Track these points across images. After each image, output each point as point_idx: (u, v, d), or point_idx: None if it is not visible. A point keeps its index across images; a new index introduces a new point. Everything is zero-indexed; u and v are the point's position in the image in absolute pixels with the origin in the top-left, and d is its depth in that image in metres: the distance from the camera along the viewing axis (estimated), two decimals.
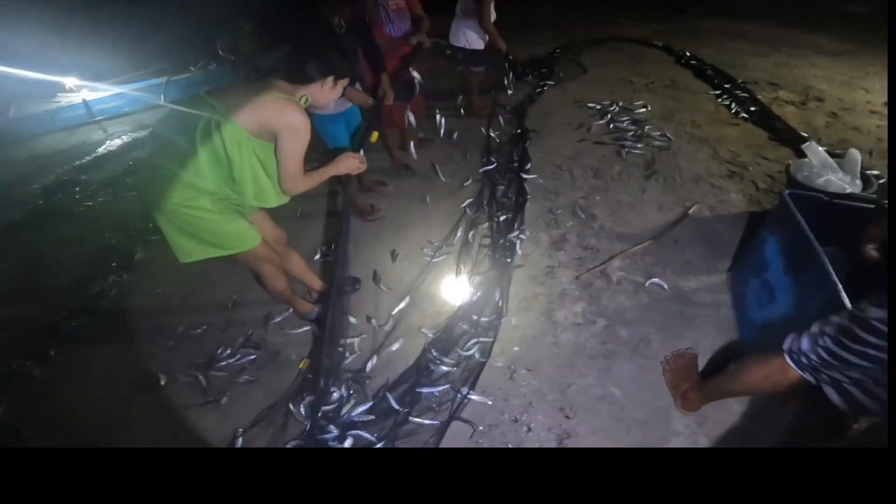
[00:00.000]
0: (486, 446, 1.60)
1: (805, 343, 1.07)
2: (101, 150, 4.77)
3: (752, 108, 3.52)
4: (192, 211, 1.51)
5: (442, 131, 2.84)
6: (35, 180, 4.18)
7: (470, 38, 3.36)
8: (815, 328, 1.06)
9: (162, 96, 5.80)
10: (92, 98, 5.75)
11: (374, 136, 2.22)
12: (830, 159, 2.16)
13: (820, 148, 2.16)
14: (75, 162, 4.49)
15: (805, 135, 2.99)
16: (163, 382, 1.99)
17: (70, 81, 5.78)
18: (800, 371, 1.09)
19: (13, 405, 1.99)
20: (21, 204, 3.75)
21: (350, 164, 1.79)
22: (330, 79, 1.60)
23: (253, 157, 1.51)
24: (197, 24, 6.30)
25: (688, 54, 4.93)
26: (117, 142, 4.96)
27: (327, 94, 1.62)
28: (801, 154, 2.32)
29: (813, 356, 1.05)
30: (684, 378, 1.64)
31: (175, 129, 1.51)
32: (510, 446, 1.57)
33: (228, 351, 2.09)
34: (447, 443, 1.61)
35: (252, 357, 2.05)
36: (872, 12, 6.30)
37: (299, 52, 1.58)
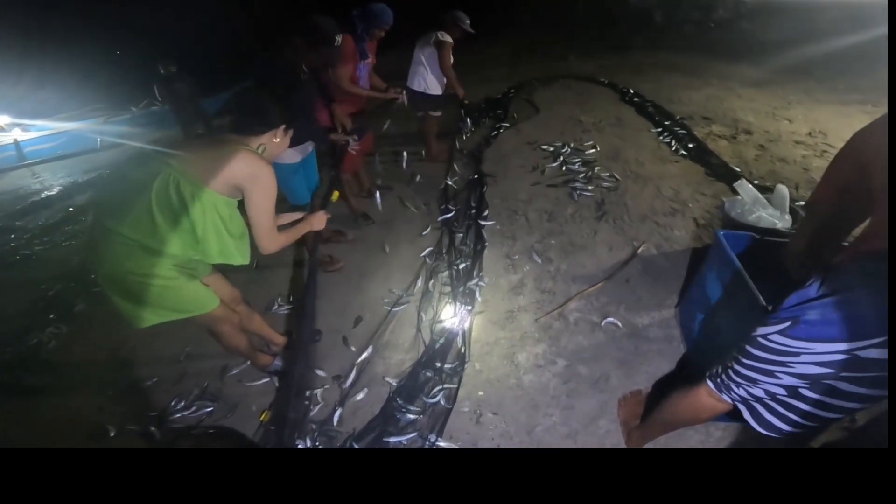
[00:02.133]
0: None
1: (720, 367, 1.23)
2: (36, 195, 4.61)
3: (690, 145, 3.90)
4: (148, 279, 1.49)
5: (405, 165, 3.02)
6: None
7: (430, 82, 3.56)
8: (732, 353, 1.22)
9: (99, 140, 5.68)
10: (24, 139, 5.56)
11: (336, 195, 2.35)
12: (761, 196, 2.44)
13: (750, 185, 2.45)
14: (10, 208, 4.32)
15: (738, 169, 3.34)
16: (112, 434, 1.95)
17: (1, 119, 5.59)
18: (718, 392, 1.23)
19: None
20: None
21: (321, 220, 1.89)
22: (282, 127, 1.64)
23: (216, 215, 1.51)
24: (139, 61, 6.29)
25: (631, 91, 5.40)
26: (53, 187, 4.81)
27: (280, 143, 1.67)
28: (735, 191, 2.60)
29: (724, 377, 1.20)
30: (633, 416, 1.79)
31: (127, 189, 1.47)
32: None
33: (183, 403, 2.08)
34: None
35: (209, 409, 2.05)
36: (785, 40, 7.06)
37: (262, 99, 1.60)
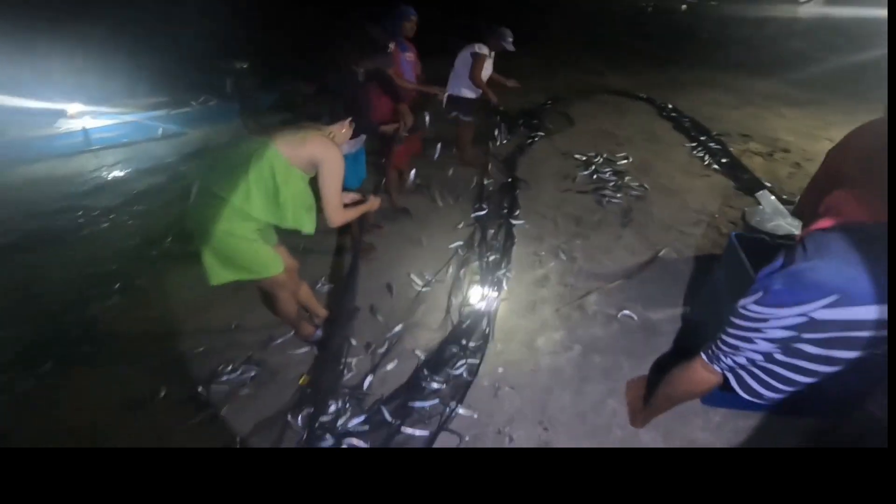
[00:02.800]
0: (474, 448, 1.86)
1: (712, 341, 1.42)
2: (100, 178, 5.08)
3: (723, 160, 4.02)
4: (235, 239, 1.84)
5: (436, 156, 3.31)
6: (34, 204, 4.45)
7: (464, 90, 3.83)
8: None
9: (160, 130, 6.18)
10: (91, 126, 6.09)
11: (383, 182, 2.63)
12: (781, 206, 2.59)
13: (772, 196, 2.59)
14: (76, 188, 4.79)
15: (767, 184, 3.45)
16: (162, 395, 2.20)
17: (73, 108, 6.17)
18: (710, 363, 1.42)
19: (2, 416, 2.15)
20: (19, 226, 3.99)
21: (376, 204, 2.23)
22: (348, 120, 2.00)
23: (294, 186, 1.85)
24: (200, 59, 6.84)
25: (669, 106, 5.52)
26: (116, 171, 5.27)
27: (345, 133, 2.04)
28: (758, 203, 2.75)
29: (714, 348, 1.39)
30: (639, 399, 1.95)
31: (230, 162, 1.84)
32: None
33: (230, 367, 2.31)
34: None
35: (253, 374, 2.28)
36: (837, 58, 7.00)
37: (331, 96, 1.99)
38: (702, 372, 1.47)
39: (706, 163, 4.08)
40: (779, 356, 1.25)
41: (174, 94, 6.59)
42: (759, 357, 1.29)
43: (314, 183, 1.94)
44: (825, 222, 1.15)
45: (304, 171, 1.87)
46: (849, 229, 1.10)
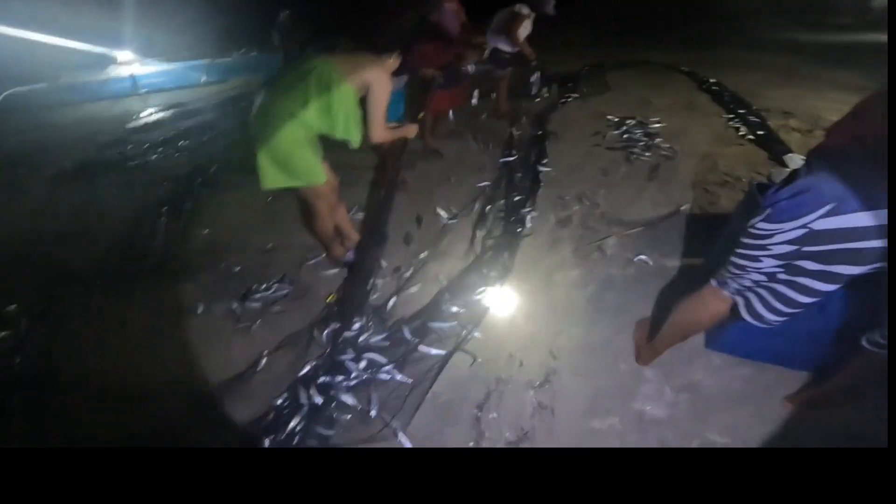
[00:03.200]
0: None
1: (722, 268, 1.52)
2: (147, 118, 5.38)
3: (759, 132, 3.99)
4: (289, 143, 2.06)
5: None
6: (88, 138, 4.78)
7: (501, 43, 3.96)
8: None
9: (203, 77, 6.45)
10: (139, 72, 6.42)
11: (421, 115, 2.77)
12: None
13: (799, 158, 2.61)
14: (125, 126, 5.10)
15: (802, 157, 3.44)
16: (200, 311, 2.40)
17: (123, 55, 6.50)
18: (720, 287, 1.53)
19: (54, 331, 2.34)
20: (76, 156, 4.32)
21: (413, 130, 2.47)
22: (397, 52, 2.23)
23: (347, 100, 2.06)
24: (244, 11, 7.03)
25: (711, 80, 5.43)
26: (161, 113, 5.56)
27: (393, 62, 2.25)
28: (785, 166, 2.77)
29: (724, 272, 1.50)
30: (644, 337, 2.04)
31: (293, 75, 2.08)
32: (503, 377, 1.93)
33: (264, 285, 2.52)
34: (450, 371, 1.95)
35: (285, 292, 2.48)
36: None
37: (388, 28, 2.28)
38: (710, 298, 1.58)
39: (741, 133, 4.06)
40: (781, 276, 1.35)
41: (218, 43, 6.87)
42: (763, 278, 1.39)
43: (362, 103, 2.14)
44: (825, 142, 1.27)
45: (356, 87, 2.07)
46: (844, 147, 1.20)
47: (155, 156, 4.28)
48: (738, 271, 1.45)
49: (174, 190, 3.61)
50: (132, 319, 2.39)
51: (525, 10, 3.83)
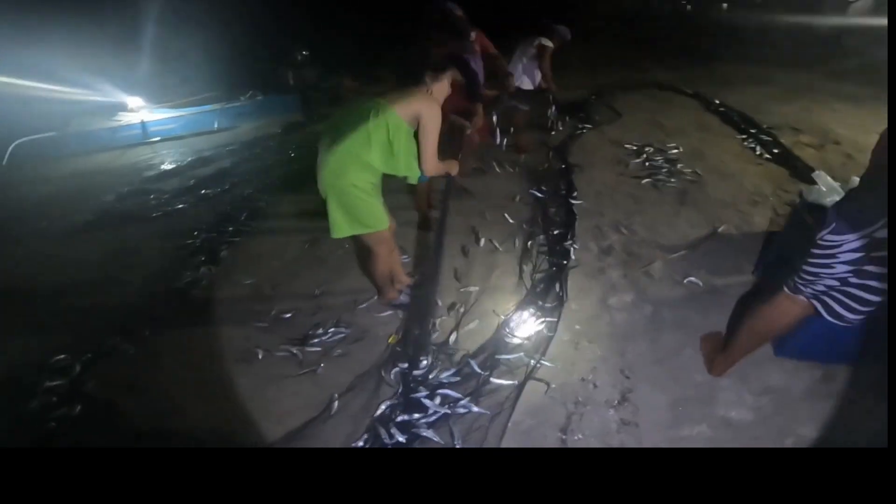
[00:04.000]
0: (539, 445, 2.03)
1: (793, 274, 1.71)
2: (163, 166, 5.56)
3: (775, 151, 4.27)
4: (357, 190, 2.19)
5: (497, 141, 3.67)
6: (106, 188, 4.92)
7: (524, 79, 4.28)
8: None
9: (216, 123, 6.68)
10: (149, 119, 6.62)
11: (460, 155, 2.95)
12: (837, 185, 2.83)
13: (828, 177, 2.84)
14: (141, 175, 5.27)
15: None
16: (260, 357, 2.46)
17: (133, 102, 6.74)
18: (794, 294, 1.72)
19: (109, 379, 2.42)
20: (98, 207, 4.46)
21: (456, 168, 2.57)
22: (447, 74, 2.35)
23: (406, 138, 2.20)
24: (246, 55, 7.37)
25: (717, 101, 5.79)
26: (176, 161, 5.74)
27: (444, 88, 2.38)
28: (814, 181, 2.99)
29: (797, 278, 1.69)
30: (714, 350, 2.20)
31: (353, 118, 2.20)
32: (580, 399, 2.06)
33: (321, 330, 2.60)
34: (525, 399, 2.05)
35: (343, 335, 2.56)
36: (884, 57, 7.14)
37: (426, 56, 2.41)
38: (786, 303, 1.77)
39: (758, 153, 4.34)
40: (853, 279, 1.55)
41: (224, 89, 7.15)
42: (836, 283, 1.59)
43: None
44: (872, 160, 1.51)
45: (410, 124, 2.21)
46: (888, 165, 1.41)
47: (180, 205, 4.42)
48: (811, 278, 1.64)
49: (206, 239, 3.72)
50: (190, 368, 2.46)
51: (549, 42, 4.16)
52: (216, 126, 6.55)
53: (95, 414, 2.23)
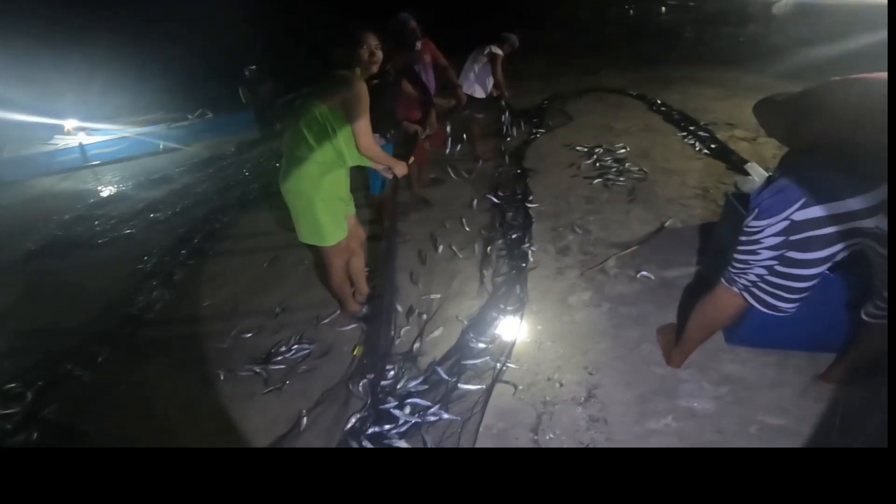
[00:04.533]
0: (513, 446, 2.10)
1: (727, 266, 1.81)
2: (107, 191, 5.33)
3: (713, 146, 4.53)
4: (305, 202, 2.22)
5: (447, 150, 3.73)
6: (48, 215, 4.66)
7: (476, 88, 4.35)
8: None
9: (161, 144, 6.43)
10: (88, 142, 6.29)
11: (411, 159, 2.96)
12: (767, 174, 3.02)
13: (758, 166, 3.04)
14: (84, 201, 5.03)
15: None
16: (222, 377, 2.43)
17: (69, 124, 6.39)
18: (729, 285, 1.81)
19: (65, 405, 2.36)
20: (41, 235, 4.24)
21: (402, 168, 2.49)
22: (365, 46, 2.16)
23: (344, 127, 2.14)
24: (195, 72, 7.15)
25: (658, 102, 6.13)
26: (120, 185, 5.51)
27: (370, 60, 2.18)
28: (746, 172, 3.20)
29: (729, 269, 1.79)
30: (670, 342, 2.30)
31: (294, 123, 2.18)
32: (548, 399, 2.10)
33: (284, 347, 2.57)
34: (494, 402, 2.08)
35: (307, 351, 2.54)
36: (813, 51, 7.64)
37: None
38: (724, 295, 1.85)
39: (697, 149, 4.59)
40: (778, 268, 1.63)
41: (171, 108, 6.91)
42: (764, 272, 1.67)
43: None
44: (796, 145, 1.61)
45: (343, 112, 2.13)
46: (811, 149, 1.52)
47: (128, 230, 4.25)
48: (741, 266, 1.73)
49: (159, 263, 3.60)
50: (150, 392, 2.39)
51: (499, 50, 4.27)
52: (161, 147, 6.29)
53: (54, 440, 2.18)
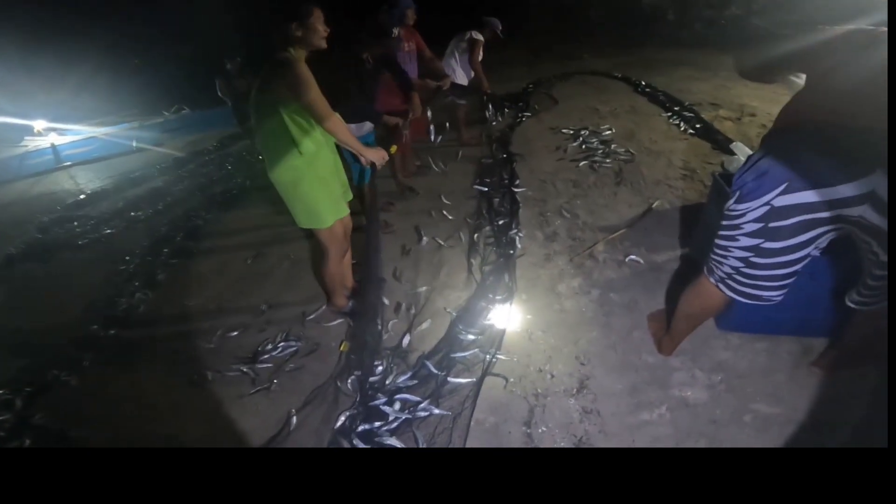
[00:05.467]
0: (506, 446, 2.06)
1: (709, 254, 1.74)
2: (87, 190, 5.19)
3: (698, 126, 4.49)
4: (286, 187, 2.17)
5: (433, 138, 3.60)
6: (27, 219, 4.55)
7: (458, 73, 4.27)
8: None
9: (134, 143, 6.25)
10: (60, 142, 6.11)
11: (393, 148, 2.88)
12: (751, 153, 3.00)
13: (744, 146, 3.01)
14: (62, 203, 4.89)
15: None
16: (210, 378, 2.37)
17: (39, 124, 6.19)
18: (709, 275, 1.74)
19: (54, 411, 2.31)
20: (21, 239, 4.12)
21: (379, 154, 2.39)
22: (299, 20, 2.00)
23: (285, 114, 2.03)
24: (172, 69, 6.95)
25: (643, 83, 6.07)
26: (99, 184, 5.37)
27: (307, 35, 2.02)
28: (732, 151, 3.18)
29: (709, 257, 1.72)
30: (661, 328, 2.26)
31: (255, 122, 2.12)
32: (540, 391, 2.06)
33: (270, 345, 2.51)
34: (485, 396, 2.03)
35: (294, 348, 2.48)
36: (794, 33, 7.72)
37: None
38: (708, 286, 1.78)
39: (683, 129, 4.55)
40: (755, 259, 1.55)
41: (147, 106, 6.71)
42: (740, 264, 1.60)
43: None
44: (774, 127, 1.52)
45: (293, 98, 2.00)
46: (789, 132, 1.45)
47: (108, 230, 4.14)
48: (721, 252, 1.65)
49: (141, 263, 3.51)
50: (139, 395, 2.34)
51: (480, 36, 4.19)
52: (135, 146, 6.11)
53: (46, 446, 2.13)
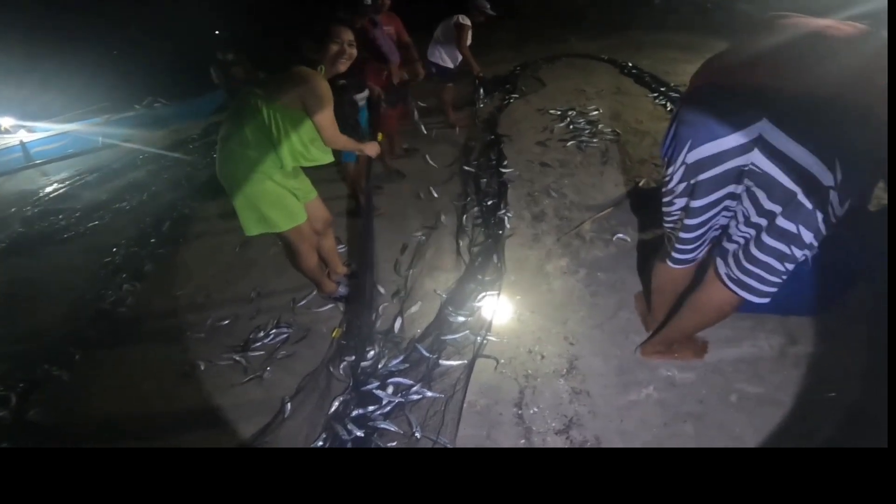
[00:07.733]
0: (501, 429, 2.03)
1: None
2: (67, 184, 5.06)
3: None
4: (257, 193, 2.06)
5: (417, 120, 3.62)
6: (5, 216, 4.45)
7: (444, 58, 4.21)
8: None
9: (100, 139, 6.03)
10: (29, 140, 5.91)
11: (381, 136, 2.82)
12: None
13: None
14: (41, 198, 4.78)
15: None
16: (202, 368, 2.34)
17: (6, 122, 5.97)
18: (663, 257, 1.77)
19: (47, 407, 2.29)
20: (4, 235, 4.05)
21: (374, 148, 2.41)
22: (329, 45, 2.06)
23: (299, 125, 2.01)
24: (144, 61, 6.72)
25: (629, 65, 6.02)
26: (78, 178, 5.25)
27: (333, 55, 2.08)
28: None
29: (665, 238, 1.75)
30: (646, 308, 2.21)
31: (234, 115, 2.04)
32: (530, 372, 2.04)
33: (262, 333, 2.48)
34: (476, 378, 2.01)
35: (285, 335, 2.45)
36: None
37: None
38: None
39: (668, 109, 4.51)
40: (687, 221, 1.57)
41: (114, 100, 6.47)
42: (676, 226, 1.65)
43: None
44: (685, 92, 1.56)
45: (292, 107, 1.99)
46: (693, 95, 1.46)
47: (93, 223, 4.05)
48: (666, 220, 1.70)
49: (127, 254, 3.45)
50: (132, 387, 2.31)
51: (467, 20, 4.08)
52: (100, 143, 5.91)
53: (43, 442, 2.14)
